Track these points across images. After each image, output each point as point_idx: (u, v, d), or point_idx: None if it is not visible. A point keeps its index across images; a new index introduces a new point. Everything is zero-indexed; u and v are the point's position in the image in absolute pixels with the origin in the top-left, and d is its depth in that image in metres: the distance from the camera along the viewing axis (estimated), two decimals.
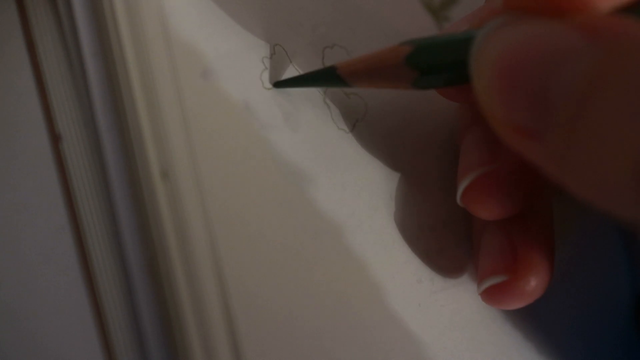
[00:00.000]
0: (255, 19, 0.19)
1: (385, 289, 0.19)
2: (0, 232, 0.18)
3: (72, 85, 0.18)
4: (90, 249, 0.17)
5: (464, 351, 0.21)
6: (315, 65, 0.20)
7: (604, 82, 0.12)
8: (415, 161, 0.22)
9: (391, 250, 0.20)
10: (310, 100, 0.20)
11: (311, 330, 0.18)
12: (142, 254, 0.16)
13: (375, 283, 0.19)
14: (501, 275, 0.19)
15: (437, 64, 0.17)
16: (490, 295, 0.20)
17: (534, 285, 0.19)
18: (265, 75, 0.19)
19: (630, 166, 0.12)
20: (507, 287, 0.19)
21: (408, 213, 0.21)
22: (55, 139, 0.18)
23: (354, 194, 0.20)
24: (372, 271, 0.19)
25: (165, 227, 0.16)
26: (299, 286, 0.18)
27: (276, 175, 0.18)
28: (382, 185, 0.21)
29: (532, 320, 0.23)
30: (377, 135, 0.21)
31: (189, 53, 0.17)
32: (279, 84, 0.19)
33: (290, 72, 0.20)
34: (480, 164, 0.19)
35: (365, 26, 0.22)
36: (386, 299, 0.19)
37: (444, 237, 0.21)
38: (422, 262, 0.21)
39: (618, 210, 0.13)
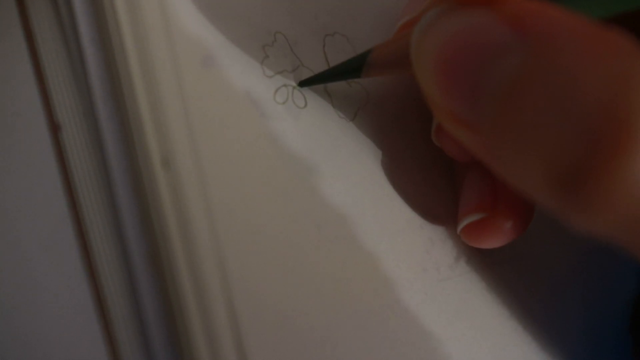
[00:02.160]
0: (256, 6, 0.19)
1: (391, 279, 0.19)
2: (0, 223, 0.18)
3: (71, 74, 0.17)
4: (91, 239, 0.17)
5: (471, 340, 0.21)
6: (316, 52, 0.20)
7: (529, 81, 0.13)
8: (418, 149, 0.22)
9: (395, 239, 0.20)
10: (312, 89, 0.20)
11: (314, 320, 0.18)
12: (143, 244, 0.16)
13: (380, 272, 0.19)
14: (480, 212, 0.20)
15: None
16: (469, 232, 0.20)
17: (512, 223, 0.20)
18: (267, 63, 0.19)
19: (542, 168, 0.13)
20: (486, 224, 0.20)
21: (411, 201, 0.21)
22: (54, 128, 0.17)
23: (357, 183, 0.20)
24: (377, 260, 0.19)
25: (166, 216, 0.16)
26: (302, 275, 0.18)
27: (278, 163, 0.18)
28: (384, 173, 0.20)
29: (539, 309, 0.23)
30: (378, 124, 0.21)
31: (189, 41, 0.17)
32: (304, 83, 0.20)
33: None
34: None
35: (367, 14, 0.22)
36: (391, 288, 0.19)
37: (448, 225, 0.21)
38: (427, 250, 0.21)
39: (542, 204, 0.14)
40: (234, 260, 0.16)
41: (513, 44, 0.13)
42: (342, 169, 0.19)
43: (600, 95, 0.12)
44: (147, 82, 0.16)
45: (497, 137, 0.14)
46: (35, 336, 0.18)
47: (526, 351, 0.22)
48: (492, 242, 0.20)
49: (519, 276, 0.22)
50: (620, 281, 0.26)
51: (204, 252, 0.16)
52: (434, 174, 0.22)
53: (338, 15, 0.21)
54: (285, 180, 0.18)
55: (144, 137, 0.16)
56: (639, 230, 0.13)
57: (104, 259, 0.17)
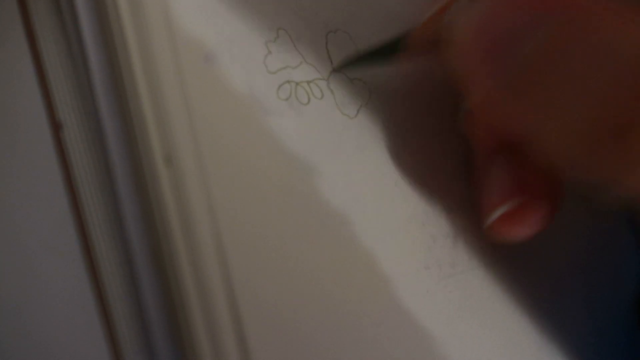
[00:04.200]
0: (258, 2, 0.19)
1: (392, 276, 0.19)
2: (1, 223, 0.18)
3: (73, 72, 0.17)
4: (93, 237, 0.17)
5: (473, 337, 0.20)
6: (319, 49, 0.20)
7: (566, 42, 0.13)
8: (420, 146, 0.21)
9: (397, 237, 0.20)
10: (315, 85, 0.20)
11: (316, 317, 0.18)
12: (145, 241, 0.16)
13: (381, 270, 0.19)
14: (512, 201, 0.19)
15: None
16: (501, 224, 0.19)
17: (544, 209, 0.19)
18: (269, 60, 0.19)
19: (586, 126, 0.13)
20: (519, 213, 0.19)
21: (414, 199, 0.21)
22: (56, 127, 0.17)
23: (359, 180, 0.20)
24: (379, 258, 0.19)
25: (168, 213, 0.16)
26: (304, 272, 0.18)
27: (280, 160, 0.18)
28: (386, 170, 0.20)
29: (542, 307, 0.23)
30: (381, 121, 0.21)
31: (191, 37, 0.17)
32: (339, 67, 0.20)
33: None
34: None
35: (369, 11, 0.22)
36: (393, 286, 0.19)
37: (450, 222, 0.21)
38: (429, 248, 0.20)
39: (581, 172, 0.14)
40: (236, 257, 0.16)
41: (539, 20, 0.14)
42: (345, 166, 0.19)
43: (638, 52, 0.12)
44: (149, 80, 0.16)
45: (537, 100, 0.14)
46: (37, 334, 0.18)
47: (530, 348, 0.22)
48: (526, 231, 0.19)
49: (522, 273, 0.22)
50: (626, 276, 0.26)
51: (206, 250, 0.16)
52: (436, 172, 0.21)
53: (340, 12, 0.21)
54: (288, 176, 0.18)
55: (146, 134, 0.16)
56: None
57: (105, 257, 0.17)
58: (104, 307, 0.17)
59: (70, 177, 0.17)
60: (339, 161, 0.19)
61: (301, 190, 0.18)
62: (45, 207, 0.18)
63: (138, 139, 0.16)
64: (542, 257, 0.23)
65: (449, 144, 0.22)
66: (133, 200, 0.16)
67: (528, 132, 0.15)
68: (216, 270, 0.16)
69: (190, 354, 0.15)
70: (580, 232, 0.24)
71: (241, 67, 0.18)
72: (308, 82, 0.20)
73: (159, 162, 0.16)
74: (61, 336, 0.18)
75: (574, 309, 0.24)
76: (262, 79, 0.18)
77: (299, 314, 0.17)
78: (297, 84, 0.19)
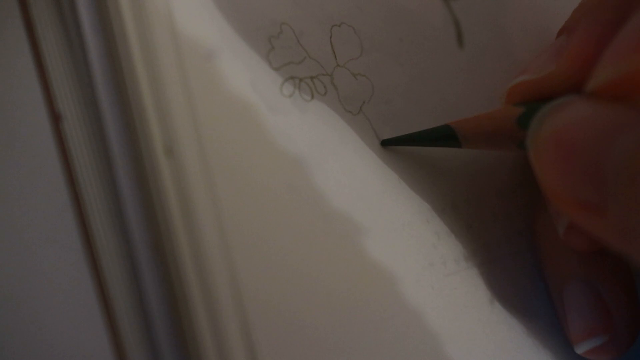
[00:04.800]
0: None
1: (397, 273, 0.19)
2: (2, 214, 0.18)
3: (72, 63, 0.17)
4: (94, 229, 0.17)
5: (478, 333, 0.20)
6: (323, 44, 0.20)
7: None
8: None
9: (402, 234, 0.20)
10: (319, 81, 0.19)
11: (320, 313, 0.17)
12: (146, 233, 0.16)
13: (386, 267, 0.19)
14: (600, 336, 0.20)
15: None
16: (590, 354, 0.20)
17: (631, 339, 0.20)
18: (273, 55, 0.19)
19: None
20: (608, 347, 0.20)
21: (417, 196, 0.21)
22: (55, 118, 0.17)
23: (363, 177, 0.19)
24: (383, 255, 0.19)
25: (170, 205, 0.15)
26: (307, 268, 0.18)
27: (283, 156, 0.18)
28: (390, 167, 0.20)
29: (547, 303, 0.22)
30: (384, 117, 0.21)
31: (193, 31, 0.17)
32: (387, 142, 0.20)
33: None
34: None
35: (374, 3, 0.21)
36: (398, 283, 0.19)
37: (454, 219, 0.21)
38: (433, 245, 0.20)
39: None
40: (239, 250, 0.16)
41: (634, 120, 0.13)
42: (348, 163, 0.19)
43: None
44: (149, 70, 0.16)
45: (630, 215, 0.13)
46: (38, 328, 0.18)
47: (534, 345, 0.22)
48: (613, 357, 0.20)
49: (527, 270, 0.22)
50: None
51: (208, 242, 0.16)
52: (440, 168, 0.21)
53: (344, 6, 0.21)
54: (289, 172, 0.18)
55: (146, 124, 0.16)
56: None
57: (106, 249, 0.17)
58: (105, 300, 0.17)
59: (70, 169, 0.17)
60: (343, 157, 0.19)
61: (305, 186, 0.18)
62: (45, 199, 0.18)
63: (138, 130, 0.16)
64: None
65: None
66: (133, 191, 0.16)
67: (618, 241, 0.14)
68: (218, 263, 0.16)
69: (193, 346, 0.15)
70: None
71: (244, 63, 0.18)
72: (312, 78, 0.19)
73: (159, 154, 0.16)
74: (62, 328, 0.18)
75: None
76: (266, 75, 0.18)
77: (300, 306, 0.17)
78: (300, 79, 0.19)
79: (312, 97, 0.19)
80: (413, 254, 0.20)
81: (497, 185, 0.23)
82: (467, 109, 0.22)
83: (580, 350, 0.20)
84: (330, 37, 0.20)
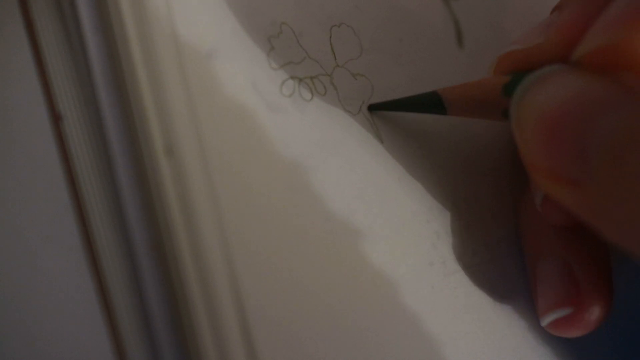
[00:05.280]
0: None
1: (397, 272, 0.19)
2: (2, 214, 0.18)
3: (72, 63, 0.17)
4: (94, 229, 0.17)
5: (478, 333, 0.20)
6: (323, 44, 0.20)
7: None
8: (423, 141, 0.21)
9: (401, 233, 0.20)
10: (318, 81, 0.19)
11: (320, 311, 0.18)
12: (146, 233, 0.16)
13: (386, 267, 0.19)
14: (566, 308, 0.20)
15: None
16: (555, 327, 0.20)
17: (598, 314, 0.19)
18: (273, 55, 0.19)
19: None
20: (573, 319, 0.20)
21: (417, 195, 0.21)
22: (56, 118, 0.17)
23: (362, 177, 0.19)
24: (383, 254, 0.19)
25: (169, 204, 0.16)
26: (307, 266, 0.18)
27: (283, 156, 0.18)
28: (390, 167, 0.20)
29: None
30: (383, 117, 0.21)
31: (193, 31, 0.17)
32: (374, 107, 0.20)
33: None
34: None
35: (373, 4, 0.21)
36: (398, 282, 0.19)
37: (454, 219, 0.21)
38: (433, 244, 0.20)
39: None
40: (239, 250, 0.16)
41: (621, 99, 0.13)
42: (348, 162, 0.19)
43: None
44: (149, 69, 0.16)
45: (607, 193, 0.13)
46: (38, 328, 0.18)
47: (534, 344, 0.22)
48: (579, 333, 0.20)
49: (526, 269, 0.22)
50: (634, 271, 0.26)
51: (208, 241, 0.16)
52: (440, 168, 0.21)
53: (344, 6, 0.21)
54: (291, 172, 0.18)
55: (146, 124, 0.16)
56: None
57: (106, 249, 0.17)
58: (105, 300, 0.17)
59: (71, 169, 0.17)
60: (343, 157, 0.19)
61: (305, 186, 0.18)
62: (46, 199, 0.18)
63: (138, 130, 0.16)
64: None
65: (452, 138, 0.22)
66: (134, 191, 0.16)
67: (593, 216, 0.14)
68: (218, 262, 0.16)
69: (192, 345, 0.15)
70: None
71: (244, 63, 0.18)
72: (311, 78, 0.19)
73: (159, 153, 0.16)
74: (62, 328, 0.18)
75: None
76: (265, 75, 0.18)
77: (300, 302, 0.17)
78: (300, 80, 0.19)
79: (312, 97, 0.19)
80: (413, 253, 0.20)
81: (497, 185, 0.23)
82: None
83: (544, 322, 0.20)
84: (330, 38, 0.20)
